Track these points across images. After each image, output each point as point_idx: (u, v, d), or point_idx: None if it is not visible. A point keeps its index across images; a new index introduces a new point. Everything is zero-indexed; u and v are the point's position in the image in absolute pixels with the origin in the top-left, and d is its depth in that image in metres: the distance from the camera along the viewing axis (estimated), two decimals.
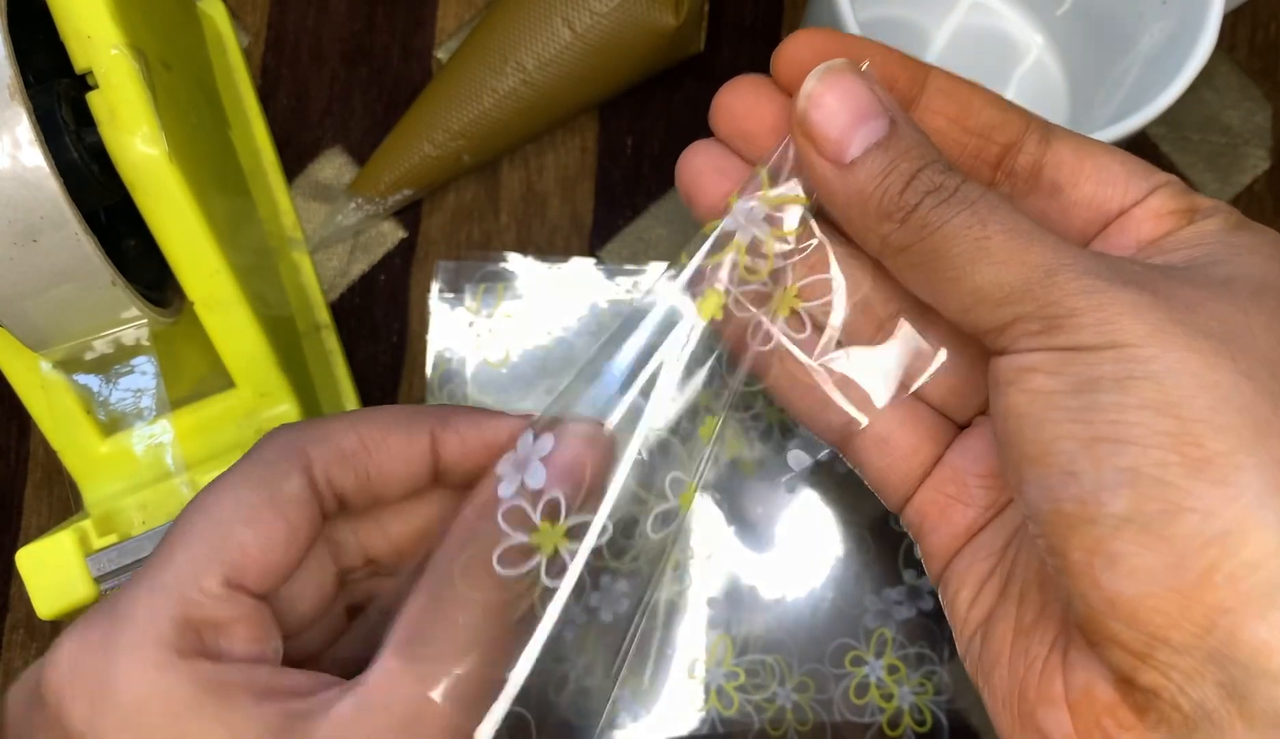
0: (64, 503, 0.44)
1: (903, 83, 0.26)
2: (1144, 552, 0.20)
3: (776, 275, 0.27)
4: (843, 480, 0.43)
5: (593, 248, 0.45)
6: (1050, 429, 0.22)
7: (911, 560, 0.43)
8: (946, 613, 0.26)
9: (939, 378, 0.27)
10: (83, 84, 0.32)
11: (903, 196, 0.23)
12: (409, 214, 0.45)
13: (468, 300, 0.44)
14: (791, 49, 0.26)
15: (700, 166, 0.28)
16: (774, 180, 0.26)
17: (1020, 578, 0.25)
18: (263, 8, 0.46)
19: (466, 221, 0.45)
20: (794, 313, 0.28)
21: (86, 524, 0.33)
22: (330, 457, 0.25)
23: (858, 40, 0.26)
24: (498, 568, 0.24)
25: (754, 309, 0.27)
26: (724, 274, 0.26)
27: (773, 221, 0.26)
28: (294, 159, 0.45)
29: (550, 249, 0.45)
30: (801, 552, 0.43)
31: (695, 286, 0.26)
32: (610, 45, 0.42)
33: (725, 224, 0.26)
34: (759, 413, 0.43)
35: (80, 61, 0.32)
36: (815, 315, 0.28)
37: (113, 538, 0.33)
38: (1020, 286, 0.22)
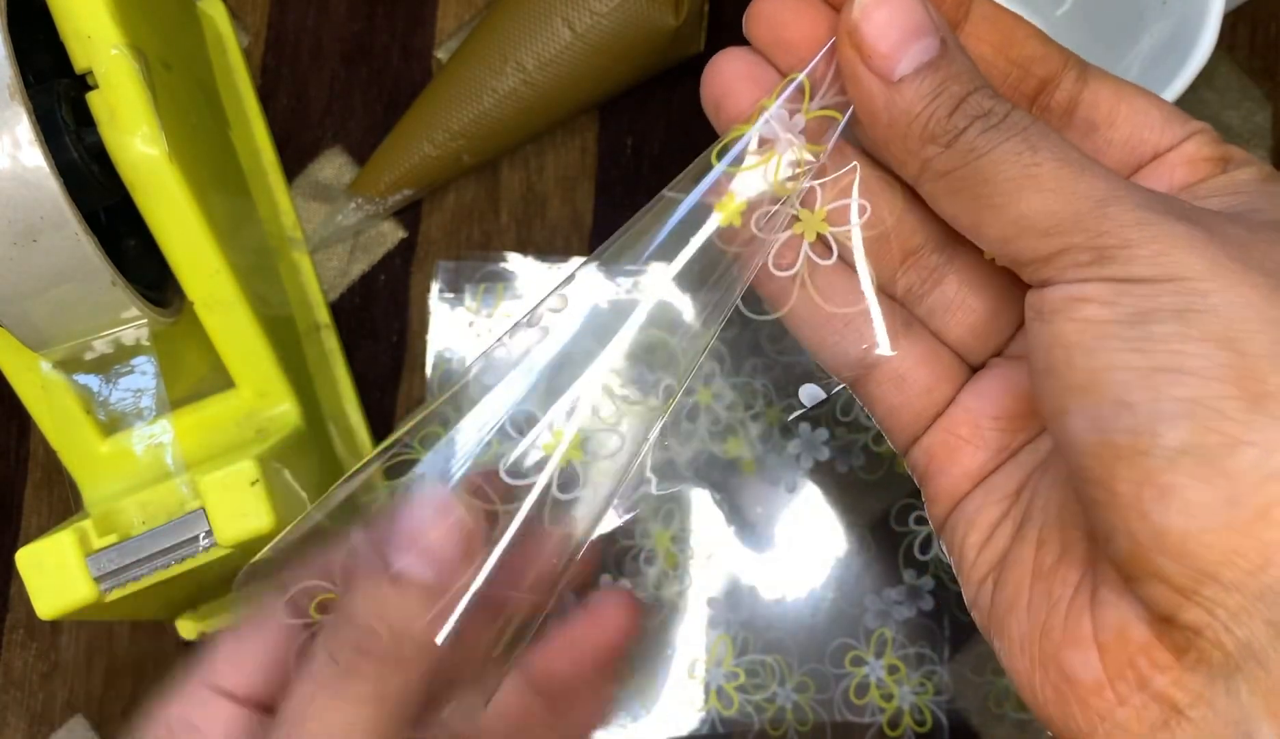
0: (64, 503, 0.44)
1: (948, 5, 0.25)
2: (1199, 484, 0.20)
3: (806, 195, 0.26)
4: (843, 480, 0.43)
5: (592, 248, 0.45)
6: (1104, 358, 0.21)
7: (912, 560, 0.43)
8: (953, 560, 0.26)
9: (959, 314, 0.27)
10: (83, 84, 0.32)
11: (951, 119, 0.23)
12: (409, 214, 0.45)
13: (468, 300, 0.44)
14: None
15: (736, 72, 0.27)
16: (811, 94, 0.25)
17: (1038, 521, 0.24)
18: (263, 8, 0.46)
19: (466, 222, 0.45)
20: (820, 237, 0.27)
21: (86, 524, 0.33)
22: (295, 571, 0.28)
23: None
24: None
25: (776, 231, 0.26)
26: (750, 183, 0.25)
27: (809, 136, 0.26)
28: (294, 159, 0.45)
29: (550, 249, 0.45)
30: (801, 552, 0.43)
31: (716, 194, 0.26)
32: (610, 45, 0.42)
33: (761, 130, 0.26)
34: (759, 412, 0.43)
35: (80, 61, 0.32)
36: (841, 241, 0.27)
37: (113, 538, 0.33)
38: (1070, 216, 0.22)
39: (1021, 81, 0.25)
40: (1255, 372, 0.20)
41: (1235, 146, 0.25)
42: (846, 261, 0.27)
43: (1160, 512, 0.20)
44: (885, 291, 0.27)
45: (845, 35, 0.24)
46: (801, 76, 0.25)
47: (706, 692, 0.42)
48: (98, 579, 0.32)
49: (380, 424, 0.44)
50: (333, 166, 0.45)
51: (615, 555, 0.43)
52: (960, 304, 0.27)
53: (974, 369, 0.27)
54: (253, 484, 0.32)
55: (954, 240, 0.25)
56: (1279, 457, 0.19)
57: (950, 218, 0.24)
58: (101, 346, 0.34)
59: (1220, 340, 0.20)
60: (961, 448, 0.26)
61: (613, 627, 0.29)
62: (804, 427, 0.43)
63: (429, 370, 0.44)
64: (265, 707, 0.28)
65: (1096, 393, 0.21)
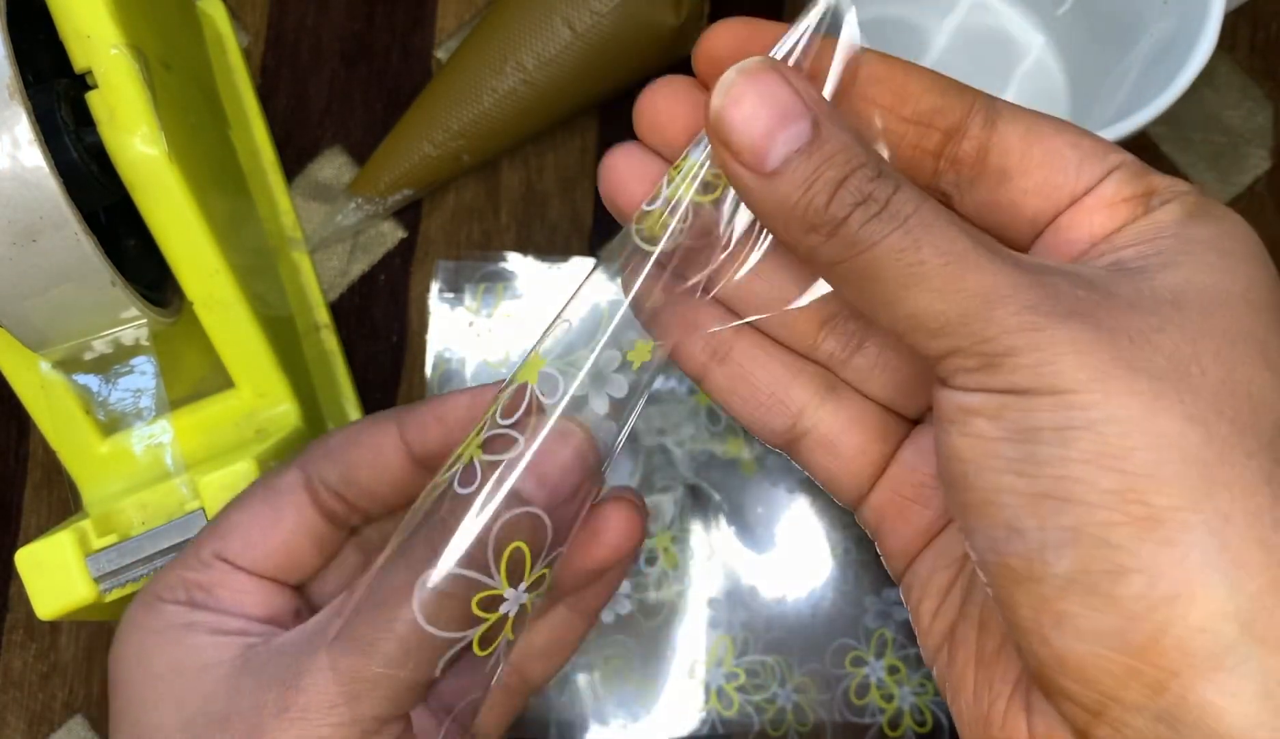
0: (63, 503, 0.44)
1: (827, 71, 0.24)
2: (1091, 613, 0.20)
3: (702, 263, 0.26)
4: None
5: (593, 248, 0.45)
6: (992, 479, 0.21)
7: None
8: (911, 619, 0.26)
9: (884, 375, 0.26)
10: (82, 84, 0.32)
11: (829, 209, 0.21)
12: (409, 214, 0.45)
13: (468, 300, 0.44)
14: (709, 43, 0.25)
15: (623, 171, 0.26)
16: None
17: (979, 599, 0.24)
18: (262, 7, 0.46)
19: (466, 221, 0.45)
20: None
21: (86, 524, 0.33)
22: (318, 454, 0.29)
23: (780, 27, 0.24)
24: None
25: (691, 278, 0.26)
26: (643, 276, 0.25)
27: (704, 214, 0.25)
28: (294, 159, 0.45)
29: (550, 249, 0.45)
30: (802, 552, 0.43)
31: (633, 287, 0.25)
32: (610, 45, 0.41)
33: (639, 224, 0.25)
34: None
35: (80, 61, 0.32)
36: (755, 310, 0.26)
37: (112, 538, 0.33)
38: (957, 317, 0.21)
39: (923, 138, 0.24)
40: (1137, 493, 0.19)
41: (1159, 176, 0.24)
42: (763, 331, 0.27)
43: (1058, 637, 0.20)
44: (808, 357, 0.27)
45: (711, 131, 0.23)
46: (700, 154, 0.25)
47: (706, 692, 0.42)
48: (97, 579, 0.32)
49: None
50: (332, 166, 0.45)
51: None
52: (884, 365, 0.26)
53: (915, 422, 0.27)
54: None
55: None
56: (1165, 583, 0.19)
57: (849, 301, 0.23)
58: (101, 347, 0.34)
59: (1100, 461, 0.19)
60: (908, 508, 0.26)
61: (612, 542, 0.28)
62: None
63: (429, 370, 0.44)
64: (279, 582, 0.28)
65: (989, 516, 0.21)
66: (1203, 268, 0.22)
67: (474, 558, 0.24)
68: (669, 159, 0.26)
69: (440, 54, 0.46)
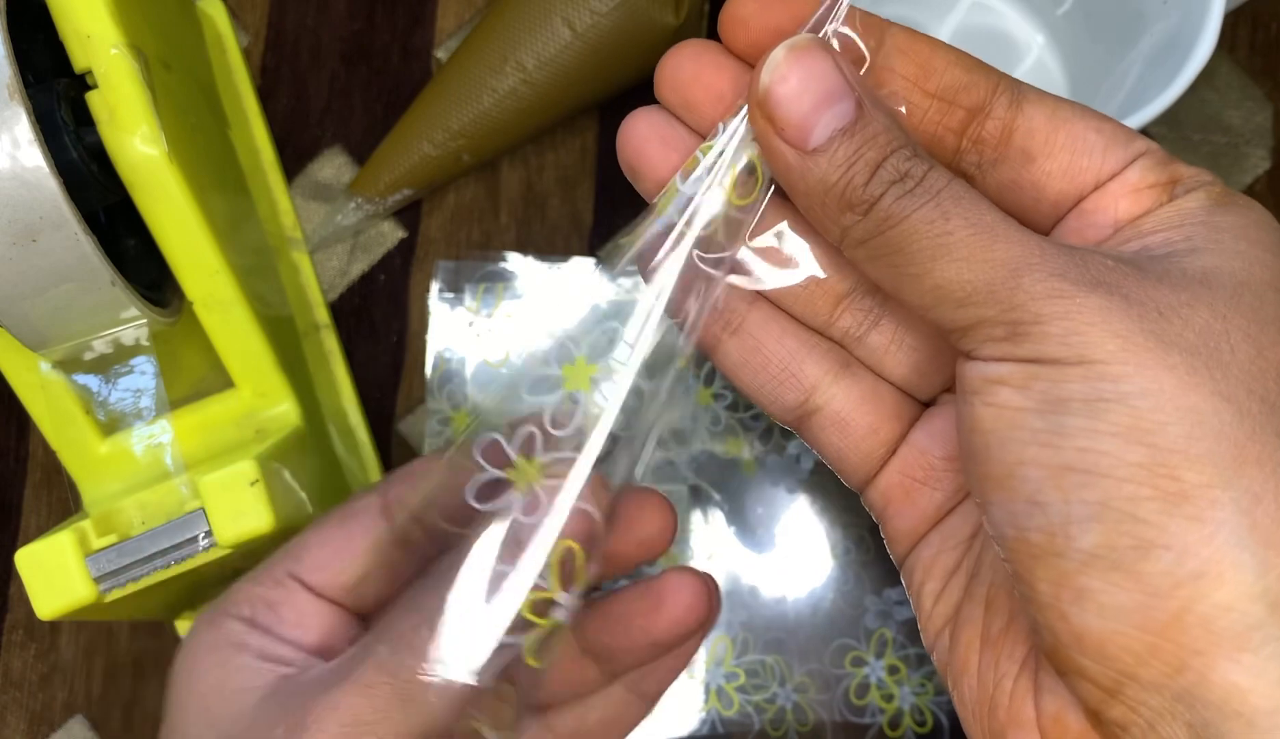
0: (63, 503, 0.44)
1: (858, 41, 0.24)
2: (1113, 589, 0.19)
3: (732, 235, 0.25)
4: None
5: (593, 248, 0.45)
6: (1016, 451, 0.21)
7: None
8: (912, 603, 0.26)
9: (900, 354, 0.26)
10: (82, 84, 0.32)
11: (867, 188, 0.22)
12: (409, 214, 0.45)
13: (468, 300, 0.44)
14: (738, 5, 0.24)
15: (645, 135, 0.26)
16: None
17: (987, 578, 0.24)
18: (262, 7, 0.46)
19: (466, 221, 0.45)
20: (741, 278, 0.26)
21: (86, 524, 0.33)
22: (398, 477, 0.28)
23: None
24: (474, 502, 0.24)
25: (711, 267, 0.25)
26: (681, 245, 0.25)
27: (739, 189, 0.25)
28: (293, 159, 0.45)
29: (550, 249, 0.45)
30: (801, 552, 0.43)
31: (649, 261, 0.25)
32: (610, 45, 0.41)
33: (679, 198, 0.25)
34: (759, 413, 0.43)
35: (80, 61, 0.32)
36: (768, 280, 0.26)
37: (112, 538, 0.33)
38: (984, 286, 0.21)
39: (945, 116, 0.24)
40: (1167, 468, 0.19)
41: (1184, 165, 0.24)
42: (778, 305, 0.26)
43: (1078, 613, 0.20)
44: (824, 334, 0.26)
45: (755, 105, 0.23)
46: (738, 124, 0.24)
47: (706, 692, 0.42)
48: (97, 579, 0.32)
49: (380, 424, 0.44)
50: (332, 166, 0.45)
51: None
52: (899, 344, 0.26)
53: (927, 405, 0.26)
54: (252, 484, 0.32)
55: None
56: (1192, 560, 0.19)
57: (875, 282, 0.23)
58: (101, 347, 0.34)
59: (1130, 435, 0.19)
60: (917, 490, 0.26)
61: (674, 616, 0.28)
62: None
63: (429, 370, 0.44)
64: (346, 608, 0.28)
65: (1011, 489, 0.21)
66: (1230, 255, 0.21)
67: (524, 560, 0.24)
68: (691, 125, 0.26)
69: (440, 54, 0.46)
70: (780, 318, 0.26)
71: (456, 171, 0.44)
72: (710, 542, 0.43)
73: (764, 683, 0.42)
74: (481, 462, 0.24)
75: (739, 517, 0.43)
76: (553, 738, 0.30)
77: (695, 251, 0.25)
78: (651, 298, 0.25)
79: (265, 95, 0.45)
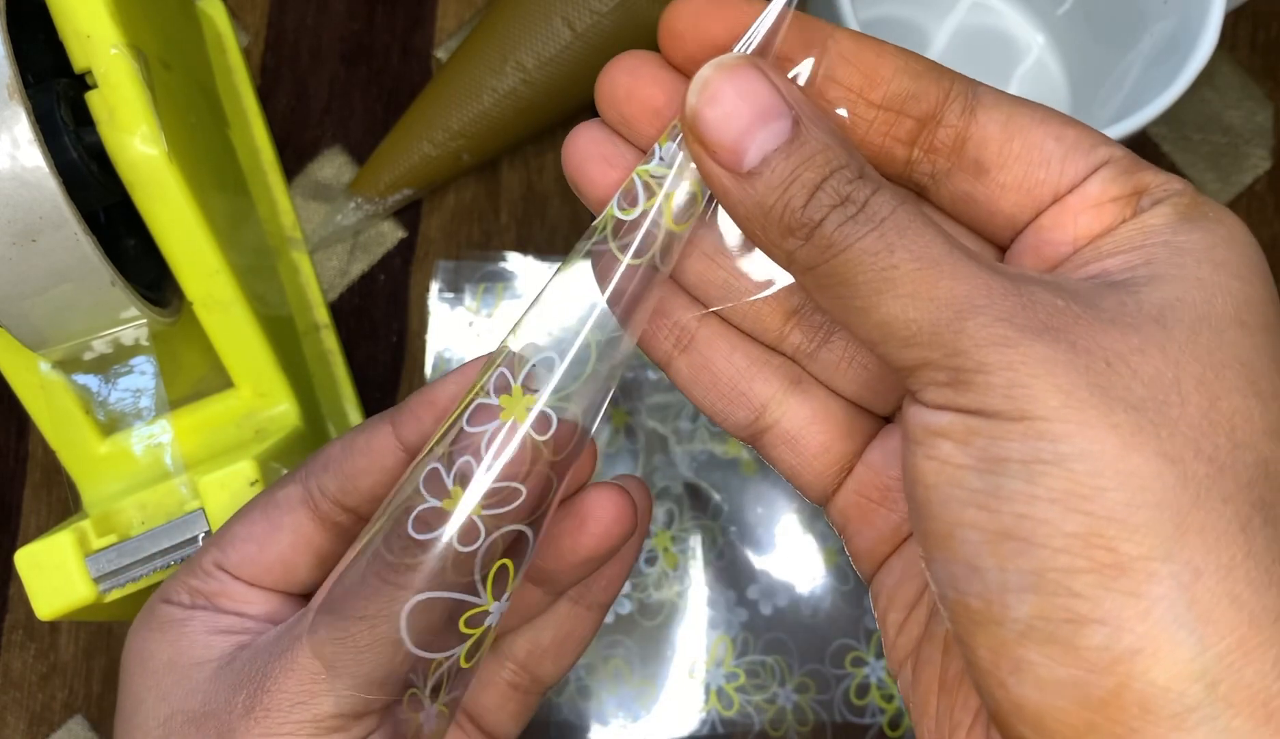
0: (63, 503, 0.44)
1: (797, 51, 0.23)
2: (1050, 662, 0.19)
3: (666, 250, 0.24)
4: None
5: None
6: (955, 511, 0.20)
7: None
8: (879, 626, 0.25)
9: (851, 371, 0.25)
10: (82, 84, 0.32)
11: (805, 211, 0.20)
12: (409, 214, 0.45)
13: (467, 300, 0.44)
14: (674, 18, 0.23)
15: (586, 153, 0.25)
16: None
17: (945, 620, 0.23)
18: (262, 7, 0.46)
19: (466, 221, 0.45)
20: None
21: (85, 524, 0.33)
22: (316, 466, 0.28)
23: (745, 4, 0.23)
24: (412, 532, 0.24)
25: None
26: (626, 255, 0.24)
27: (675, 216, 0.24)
28: (293, 159, 0.45)
29: (550, 249, 0.45)
30: (801, 552, 0.43)
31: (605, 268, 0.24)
32: (610, 44, 0.41)
33: (616, 226, 0.24)
34: None
35: (79, 61, 0.32)
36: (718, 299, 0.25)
37: (112, 538, 0.33)
38: (929, 327, 0.20)
39: (893, 126, 0.23)
40: (1104, 539, 0.18)
41: (1151, 172, 0.22)
42: (728, 321, 0.26)
43: (1016, 684, 0.19)
44: (776, 350, 0.26)
45: (687, 128, 0.22)
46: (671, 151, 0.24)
47: (707, 692, 0.42)
48: (97, 580, 0.32)
49: None
50: (332, 166, 0.45)
51: None
52: (852, 360, 0.25)
53: (886, 420, 0.26)
54: (252, 484, 0.32)
55: None
56: (1128, 636, 0.18)
57: (825, 310, 0.22)
58: (101, 347, 0.34)
59: (1068, 501, 0.18)
60: (874, 510, 0.25)
61: (598, 530, 0.27)
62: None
63: (428, 370, 0.44)
64: (280, 592, 0.28)
65: (950, 550, 0.20)
66: (1192, 283, 0.20)
67: (462, 584, 0.23)
68: (630, 139, 0.25)
69: (440, 54, 0.46)
70: (730, 334, 0.26)
71: (456, 171, 0.44)
72: (710, 541, 0.43)
73: (764, 683, 0.42)
74: (423, 492, 0.24)
75: (739, 517, 0.43)
76: (511, 665, 0.30)
77: (628, 261, 0.24)
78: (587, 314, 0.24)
79: (265, 95, 0.45)
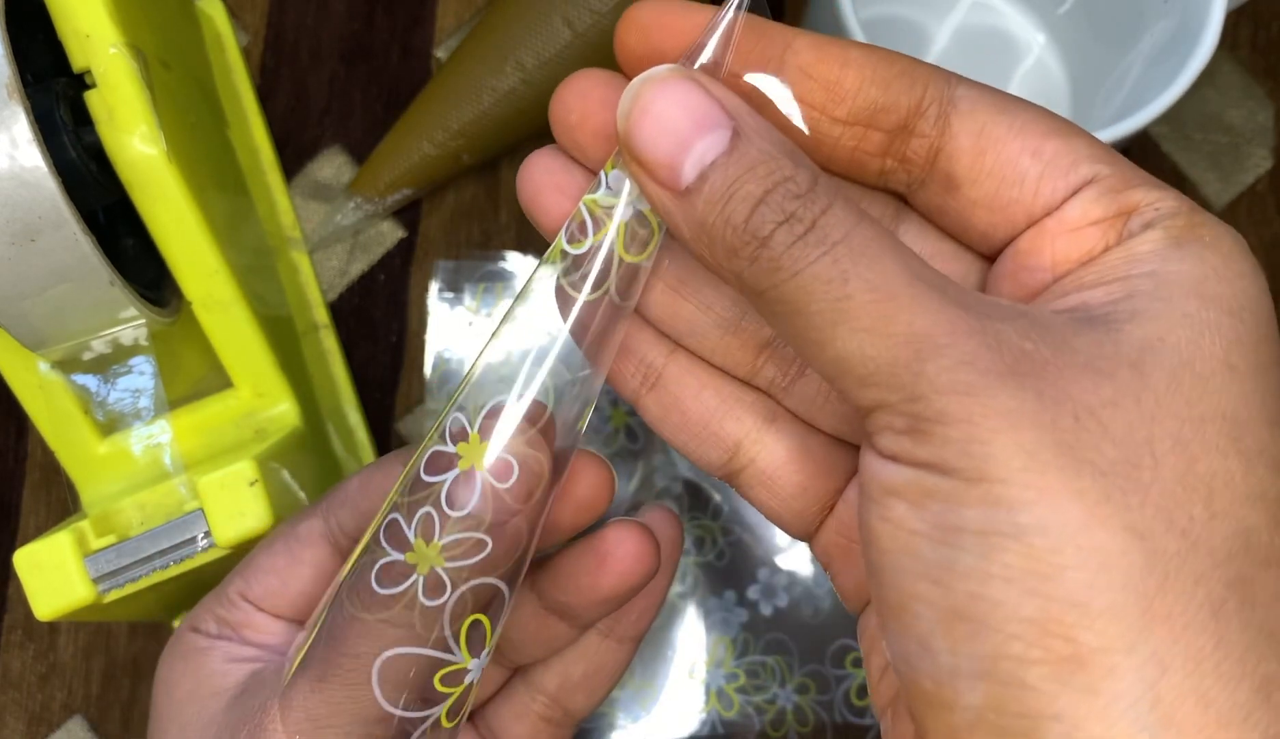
0: (62, 503, 0.44)
1: (754, 62, 0.21)
2: None
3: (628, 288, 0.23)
4: None
5: None
6: (909, 584, 0.18)
7: None
8: (864, 665, 0.23)
9: (829, 405, 0.23)
10: (81, 83, 0.32)
11: (748, 226, 0.19)
12: (408, 213, 0.45)
13: (467, 300, 0.44)
14: (625, 31, 0.22)
15: (540, 183, 0.24)
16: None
17: None
18: (262, 7, 0.46)
19: (466, 221, 0.45)
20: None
21: (84, 524, 0.33)
22: (336, 501, 0.28)
23: (699, 9, 0.21)
24: (376, 586, 0.23)
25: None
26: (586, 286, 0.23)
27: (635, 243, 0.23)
28: (293, 158, 0.45)
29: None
30: (801, 552, 0.43)
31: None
32: (610, 44, 0.41)
33: (566, 260, 0.23)
34: None
35: (78, 61, 0.32)
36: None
37: (111, 538, 0.33)
38: (886, 366, 0.18)
39: (861, 140, 0.21)
40: (1062, 627, 0.17)
41: (1142, 189, 0.20)
42: (698, 354, 0.24)
43: None
44: (748, 384, 0.24)
45: (621, 146, 0.20)
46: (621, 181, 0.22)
47: (707, 693, 0.42)
48: (96, 580, 0.32)
49: (379, 424, 0.44)
50: (332, 166, 0.45)
51: None
52: (828, 394, 0.24)
53: None
54: (251, 484, 0.32)
55: None
56: (1083, 734, 0.17)
57: (782, 338, 0.21)
58: (100, 347, 0.34)
59: (1024, 582, 0.17)
60: (856, 551, 0.23)
61: (619, 570, 0.26)
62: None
63: (428, 370, 0.44)
64: (302, 622, 0.28)
65: (904, 624, 0.18)
66: (1178, 320, 0.18)
67: (434, 639, 0.23)
68: (584, 163, 0.23)
69: (440, 53, 0.46)
70: (699, 369, 0.24)
71: (456, 171, 0.44)
72: (710, 542, 0.43)
73: (764, 684, 0.42)
74: (384, 545, 0.23)
75: (739, 517, 0.43)
76: (543, 698, 0.30)
77: (584, 298, 0.23)
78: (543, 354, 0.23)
79: (264, 95, 0.45)
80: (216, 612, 0.28)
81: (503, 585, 0.23)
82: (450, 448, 0.23)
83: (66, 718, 0.43)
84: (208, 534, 0.32)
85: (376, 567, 0.23)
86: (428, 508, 0.22)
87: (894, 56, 0.21)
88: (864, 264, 0.18)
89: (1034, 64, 0.44)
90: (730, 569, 0.43)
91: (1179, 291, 0.19)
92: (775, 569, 0.43)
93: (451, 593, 0.23)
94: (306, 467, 0.37)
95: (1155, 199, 0.20)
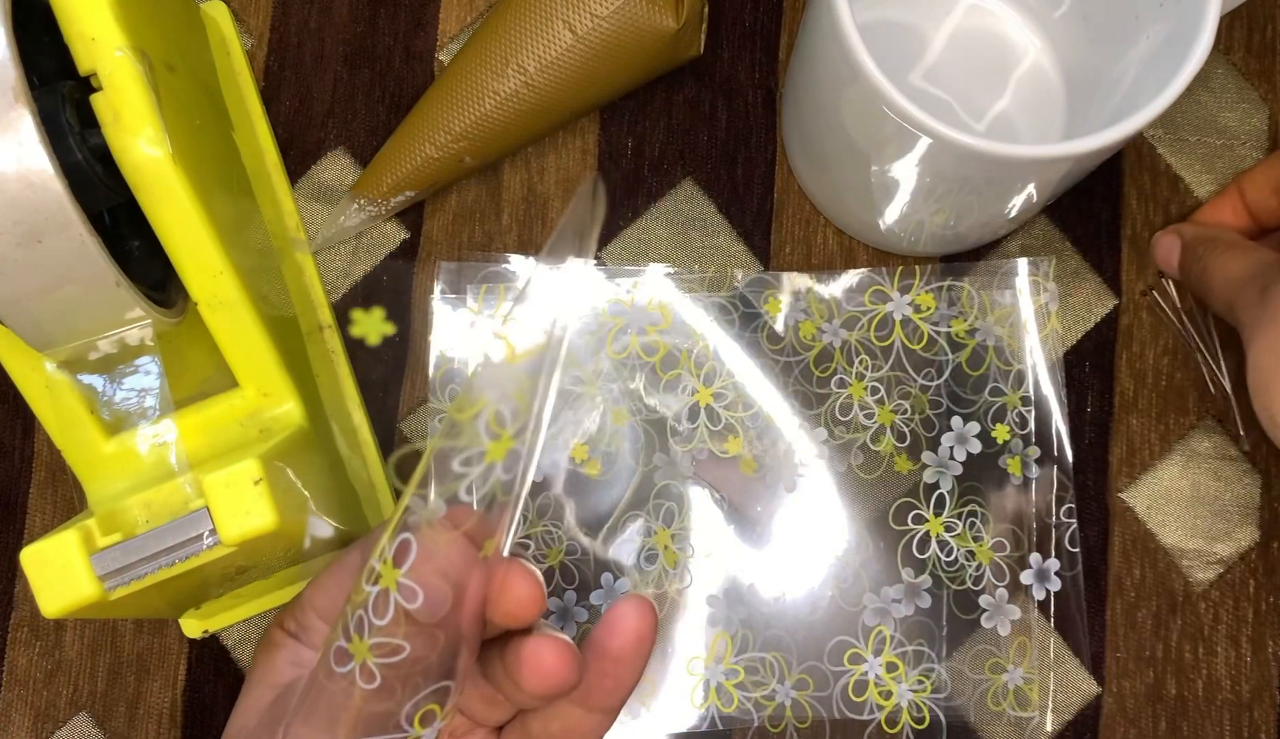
0: (68, 502, 0.44)
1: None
2: None
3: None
4: (841, 479, 0.43)
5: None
6: None
7: (910, 558, 0.43)
8: None
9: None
10: (87, 86, 0.32)
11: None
12: (411, 215, 0.45)
13: (470, 301, 0.44)
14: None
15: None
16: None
17: None
18: (266, 10, 0.46)
19: (468, 223, 0.45)
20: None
21: (90, 523, 0.33)
22: (372, 540, 0.29)
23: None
24: (333, 664, 0.26)
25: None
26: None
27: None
28: (297, 161, 0.46)
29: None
30: (800, 549, 0.43)
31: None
32: (611, 48, 0.42)
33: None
34: (758, 411, 0.44)
35: (84, 64, 0.32)
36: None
37: (117, 537, 0.33)
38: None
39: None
40: None
41: None
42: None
43: None
44: None
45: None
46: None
47: (706, 689, 0.42)
48: (102, 578, 0.32)
49: (383, 424, 0.45)
50: (335, 168, 0.46)
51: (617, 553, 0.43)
52: None
53: None
54: (256, 483, 0.32)
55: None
56: None
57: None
58: (106, 347, 0.34)
59: None
60: None
61: (535, 680, 0.28)
62: (803, 426, 0.44)
63: (431, 371, 0.44)
64: None
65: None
66: None
67: (384, 720, 0.26)
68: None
69: (442, 57, 0.46)
70: None
71: (459, 173, 0.44)
72: (710, 540, 0.43)
73: (763, 680, 0.43)
74: (340, 631, 0.26)
75: (738, 515, 0.43)
76: None
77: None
78: None
79: (269, 98, 0.46)
80: (295, 613, 0.32)
81: (432, 682, 0.26)
82: (376, 567, 0.26)
83: (72, 714, 0.43)
84: (213, 532, 0.32)
85: (332, 648, 0.26)
86: (360, 611, 0.26)
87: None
88: None
89: (1030, 67, 0.44)
90: (729, 567, 0.43)
91: None
92: (773, 569, 0.43)
93: (382, 684, 0.26)
94: (311, 466, 0.37)
95: None
